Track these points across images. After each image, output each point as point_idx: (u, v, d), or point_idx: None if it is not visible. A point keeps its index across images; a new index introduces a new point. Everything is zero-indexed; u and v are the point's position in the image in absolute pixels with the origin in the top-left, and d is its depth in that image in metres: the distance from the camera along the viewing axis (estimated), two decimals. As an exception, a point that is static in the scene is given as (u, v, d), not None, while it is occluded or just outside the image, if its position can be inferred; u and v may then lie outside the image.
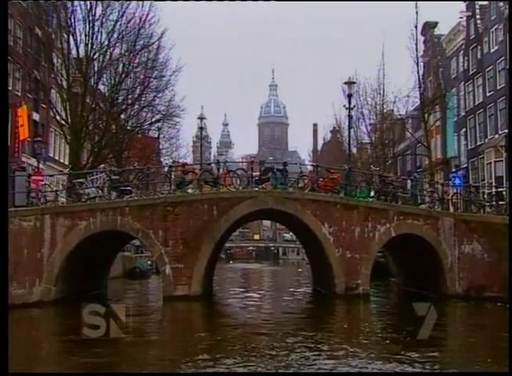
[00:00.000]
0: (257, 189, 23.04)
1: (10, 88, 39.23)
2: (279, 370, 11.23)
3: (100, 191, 21.99)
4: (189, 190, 23.29)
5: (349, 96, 23.23)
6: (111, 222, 21.60)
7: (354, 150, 49.54)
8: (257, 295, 27.40)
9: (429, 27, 50.19)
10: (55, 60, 34.78)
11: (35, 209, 21.30)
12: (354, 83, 23.31)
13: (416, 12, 39.08)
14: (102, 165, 26.11)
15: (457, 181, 29.17)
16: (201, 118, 27.83)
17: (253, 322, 18.60)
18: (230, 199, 22.41)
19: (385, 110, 48.22)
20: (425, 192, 24.98)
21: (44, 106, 41.15)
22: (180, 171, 23.53)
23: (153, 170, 23.58)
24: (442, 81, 45.90)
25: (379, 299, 24.68)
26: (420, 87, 39.50)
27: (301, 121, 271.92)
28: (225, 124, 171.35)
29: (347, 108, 23.37)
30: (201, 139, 27.49)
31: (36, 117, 43.88)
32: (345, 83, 23.50)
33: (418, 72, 40.22)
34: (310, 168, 23.99)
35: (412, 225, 23.53)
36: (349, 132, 23.85)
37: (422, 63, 49.34)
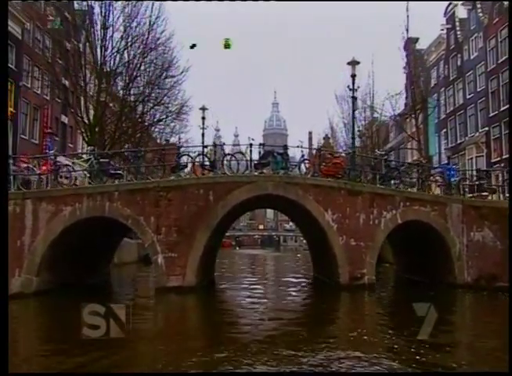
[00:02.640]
0: (256, 173, 16.96)
1: (39, 92, 34.34)
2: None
3: (88, 175, 15.90)
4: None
5: (353, 77, 17.16)
6: (99, 207, 15.62)
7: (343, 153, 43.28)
8: (259, 284, 20.69)
9: (411, 42, 44.50)
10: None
11: (15, 193, 15.33)
12: (358, 63, 17.12)
13: (407, 16, 32.85)
14: (89, 147, 19.89)
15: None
16: (203, 109, 21.79)
17: (248, 322, 12.38)
18: (227, 184, 16.35)
19: (374, 115, 42.48)
20: (431, 178, 18.77)
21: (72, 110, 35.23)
22: (174, 154, 17.41)
23: (144, 152, 17.25)
24: (423, 88, 40.27)
25: (383, 289, 18.35)
26: (411, 85, 33.93)
27: (299, 130, 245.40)
28: (236, 135, 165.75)
29: (350, 89, 17.27)
30: (203, 129, 21.11)
31: (65, 120, 38.58)
32: (348, 63, 17.32)
33: (409, 67, 34.20)
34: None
35: (419, 212, 17.44)
36: (353, 114, 17.58)
37: (405, 74, 45.52)
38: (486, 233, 17.36)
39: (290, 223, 79.47)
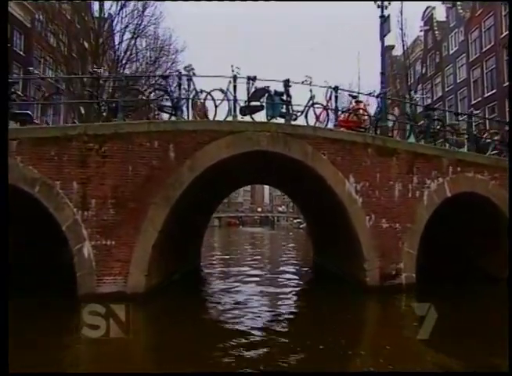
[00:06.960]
0: (243, 119, 8.09)
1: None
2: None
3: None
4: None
5: (381, 17, 8.21)
6: (-16, 166, 6.74)
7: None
8: (252, 276, 11.22)
9: (388, 48, 35.71)
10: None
11: None
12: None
13: (401, 12, 23.58)
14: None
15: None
16: (189, 68, 13.16)
17: None
18: (198, 133, 7.45)
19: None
20: (486, 134, 9.92)
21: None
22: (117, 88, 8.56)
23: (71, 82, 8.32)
24: (399, 88, 31.70)
25: (421, 290, 8.98)
26: (387, 86, 25.33)
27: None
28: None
29: (379, 6, 8.38)
30: (188, 92, 12.02)
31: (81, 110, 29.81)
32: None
33: (386, 71, 25.30)
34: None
35: (474, 181, 8.63)
36: (382, 41, 8.68)
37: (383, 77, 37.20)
38: None
39: (283, 206, 72.81)
